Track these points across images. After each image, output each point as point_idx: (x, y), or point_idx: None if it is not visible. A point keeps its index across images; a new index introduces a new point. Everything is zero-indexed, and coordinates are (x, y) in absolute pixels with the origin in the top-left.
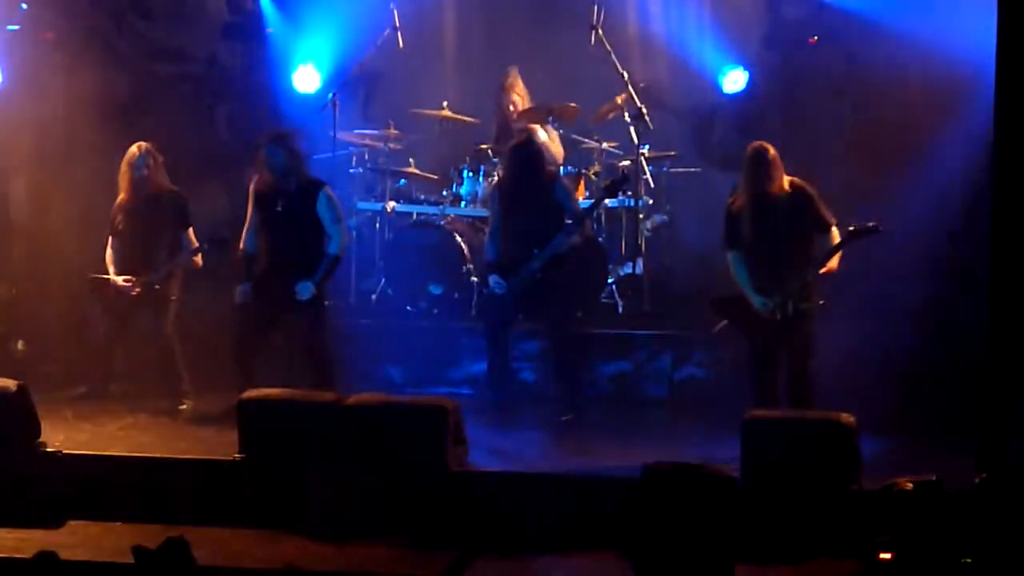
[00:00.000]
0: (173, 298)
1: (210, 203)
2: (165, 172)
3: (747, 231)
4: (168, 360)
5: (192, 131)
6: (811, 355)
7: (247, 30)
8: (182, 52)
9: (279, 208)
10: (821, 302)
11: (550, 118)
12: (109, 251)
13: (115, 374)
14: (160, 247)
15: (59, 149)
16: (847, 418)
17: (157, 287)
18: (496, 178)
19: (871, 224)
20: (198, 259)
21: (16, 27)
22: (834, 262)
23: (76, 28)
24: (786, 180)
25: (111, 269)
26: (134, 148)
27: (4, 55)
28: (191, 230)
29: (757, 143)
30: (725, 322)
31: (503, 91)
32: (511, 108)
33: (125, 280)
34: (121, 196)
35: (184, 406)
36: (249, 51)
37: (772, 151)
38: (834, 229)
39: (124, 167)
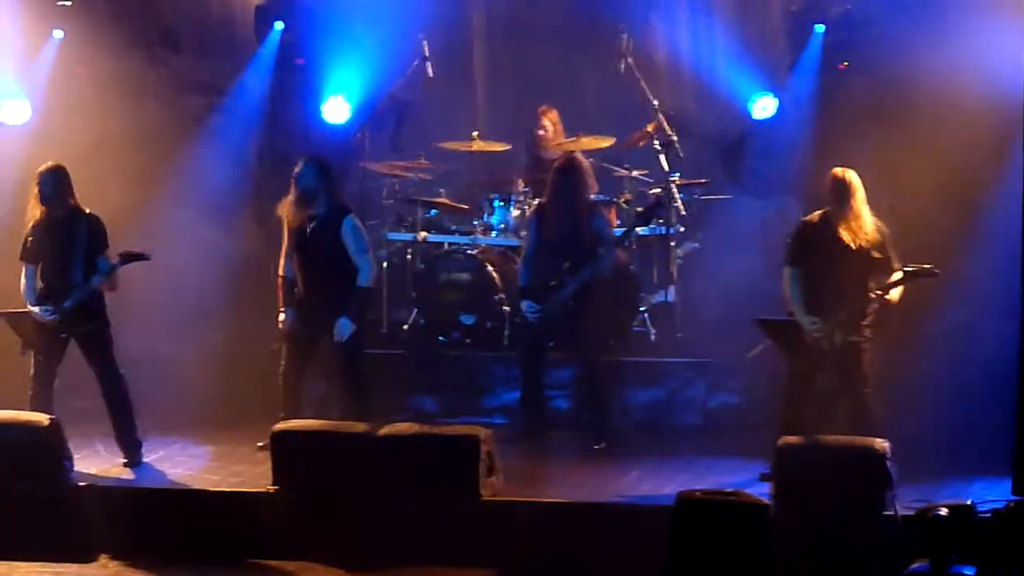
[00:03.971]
0: (97, 329)
1: (240, 236)
2: (73, 193)
3: (819, 252)
4: (116, 402)
5: (222, 163)
6: (868, 386)
7: (276, 61)
8: (211, 84)
9: (308, 233)
10: (869, 335)
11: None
12: (23, 280)
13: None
14: (75, 271)
15: (88, 184)
16: (880, 443)
17: (76, 317)
18: (528, 207)
19: (928, 267)
20: (115, 280)
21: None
22: (895, 296)
23: (106, 62)
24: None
25: (26, 300)
26: (42, 166)
27: (35, 90)
28: (107, 252)
29: (842, 169)
30: (761, 347)
31: (537, 117)
32: (543, 132)
33: (43, 310)
34: (32, 216)
35: (129, 460)
36: (278, 82)
37: (852, 178)
38: (896, 272)
39: (32, 186)
